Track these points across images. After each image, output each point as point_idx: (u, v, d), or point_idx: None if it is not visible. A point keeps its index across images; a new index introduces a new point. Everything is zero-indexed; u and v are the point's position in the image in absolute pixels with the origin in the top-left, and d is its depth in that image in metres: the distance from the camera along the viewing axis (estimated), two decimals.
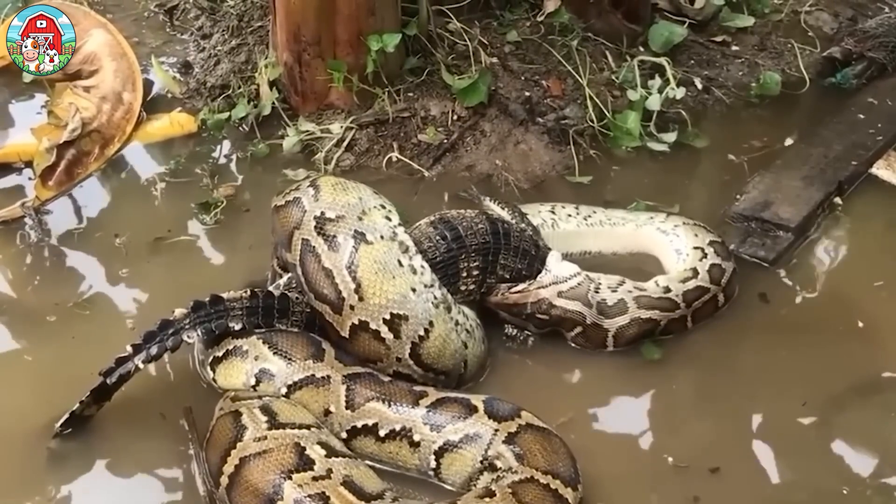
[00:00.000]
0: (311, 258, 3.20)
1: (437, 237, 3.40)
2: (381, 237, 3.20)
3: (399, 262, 3.19)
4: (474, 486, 3.00)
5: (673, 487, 3.13)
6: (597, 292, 3.53)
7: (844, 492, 3.12)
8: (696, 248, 3.82)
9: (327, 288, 3.17)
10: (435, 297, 3.24)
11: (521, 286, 3.50)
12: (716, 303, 3.68)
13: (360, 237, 3.17)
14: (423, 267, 3.26)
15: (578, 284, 3.50)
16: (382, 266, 3.14)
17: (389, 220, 3.29)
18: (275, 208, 3.41)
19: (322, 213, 3.22)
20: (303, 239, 3.22)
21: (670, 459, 3.20)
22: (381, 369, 3.20)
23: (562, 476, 2.88)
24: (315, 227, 3.21)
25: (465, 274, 3.42)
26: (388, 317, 3.13)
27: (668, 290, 3.63)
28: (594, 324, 3.50)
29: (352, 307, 3.14)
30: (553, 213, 3.98)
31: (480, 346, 3.43)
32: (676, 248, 3.88)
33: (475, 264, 3.43)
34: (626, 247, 4.01)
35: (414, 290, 3.18)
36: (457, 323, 3.30)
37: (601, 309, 3.50)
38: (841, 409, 3.41)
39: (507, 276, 3.51)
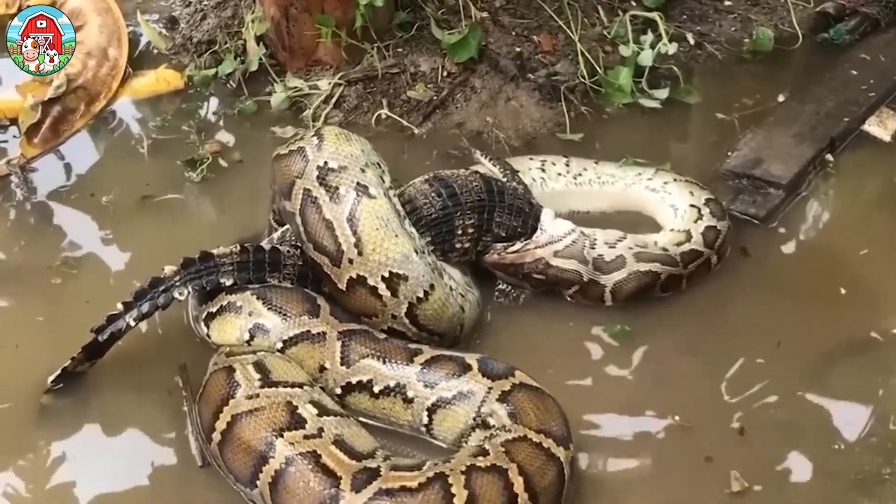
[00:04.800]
0: (311, 208, 3.17)
1: (433, 194, 3.39)
2: (383, 193, 3.18)
3: (400, 222, 3.18)
4: (465, 442, 3.01)
5: (660, 443, 3.17)
6: (592, 248, 3.52)
7: (834, 447, 3.14)
8: (692, 206, 3.80)
9: (327, 240, 3.14)
10: (429, 263, 3.23)
11: (517, 245, 3.49)
12: (709, 265, 3.68)
13: (362, 190, 3.14)
14: (413, 232, 3.25)
15: (574, 242, 3.50)
16: (384, 223, 3.12)
17: (383, 180, 3.27)
18: (276, 157, 3.38)
19: (325, 163, 3.20)
20: (304, 189, 3.19)
21: (677, 418, 3.22)
22: (376, 324, 3.19)
23: (554, 435, 2.89)
24: (317, 177, 3.18)
25: (460, 231, 3.42)
26: (386, 275, 3.11)
27: (665, 249, 3.62)
28: (591, 280, 3.49)
29: (350, 261, 3.12)
30: (543, 170, 3.95)
31: (476, 309, 3.44)
32: (671, 204, 3.87)
33: (471, 221, 3.42)
34: (614, 206, 3.99)
35: (416, 252, 3.17)
36: (450, 288, 3.30)
37: (598, 265, 3.50)
38: (831, 367, 3.42)
39: (503, 234, 3.50)
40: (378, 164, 3.31)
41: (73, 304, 3.52)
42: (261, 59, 4.53)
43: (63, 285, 3.61)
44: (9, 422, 3.16)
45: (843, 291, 3.68)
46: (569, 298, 3.57)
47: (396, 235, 3.13)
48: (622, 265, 3.51)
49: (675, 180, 3.94)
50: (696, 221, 3.73)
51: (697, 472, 3.07)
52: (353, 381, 3.06)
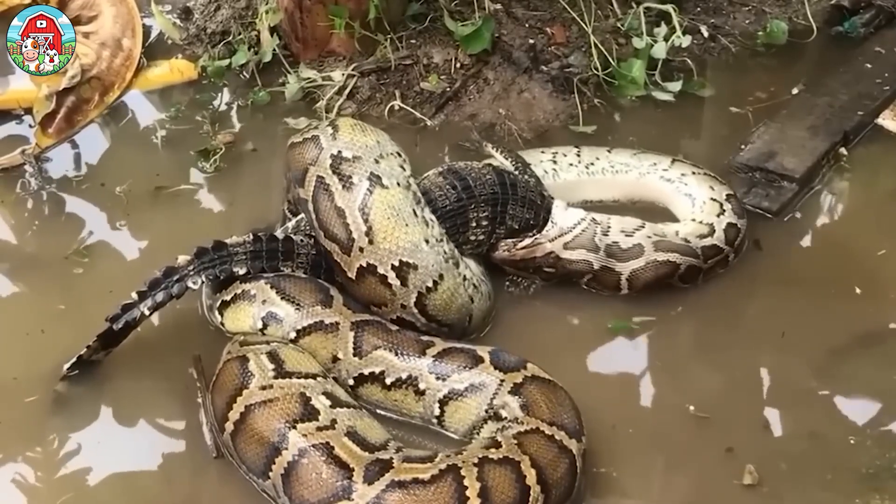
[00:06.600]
0: (324, 196, 3.18)
1: (448, 187, 3.40)
2: (398, 184, 3.18)
3: (414, 211, 3.17)
4: (477, 434, 3.02)
5: (675, 437, 3.16)
6: (605, 235, 3.50)
7: (846, 441, 3.14)
8: (713, 199, 3.77)
9: (338, 227, 3.15)
10: (445, 252, 3.23)
11: (527, 241, 3.49)
12: (727, 261, 3.67)
13: (375, 180, 3.15)
14: (432, 220, 3.26)
15: (583, 231, 3.49)
16: (396, 212, 3.12)
17: (403, 169, 3.27)
18: (290, 145, 3.39)
19: (339, 152, 3.20)
20: (317, 176, 3.20)
21: (692, 409, 3.22)
22: (385, 314, 3.20)
23: (566, 428, 2.89)
24: (331, 165, 3.19)
25: (474, 224, 3.42)
26: (396, 263, 3.12)
27: (687, 240, 3.60)
28: (604, 268, 3.48)
29: (361, 249, 3.13)
30: (554, 161, 3.93)
31: (486, 302, 3.43)
32: (688, 194, 3.84)
33: (484, 214, 3.43)
34: (628, 195, 3.97)
35: (427, 241, 3.17)
36: (464, 278, 3.30)
37: (611, 252, 3.48)
38: (844, 360, 3.42)
39: (516, 227, 3.50)
40: (398, 153, 3.31)
41: (93, 292, 3.53)
42: (274, 49, 4.54)
43: (83, 275, 3.63)
44: (30, 412, 3.16)
45: (855, 285, 3.66)
46: (584, 286, 3.56)
47: (407, 224, 3.13)
48: (640, 253, 3.49)
49: (693, 173, 3.91)
50: (718, 216, 3.71)
51: (714, 463, 3.06)
52: (366, 372, 3.07)
